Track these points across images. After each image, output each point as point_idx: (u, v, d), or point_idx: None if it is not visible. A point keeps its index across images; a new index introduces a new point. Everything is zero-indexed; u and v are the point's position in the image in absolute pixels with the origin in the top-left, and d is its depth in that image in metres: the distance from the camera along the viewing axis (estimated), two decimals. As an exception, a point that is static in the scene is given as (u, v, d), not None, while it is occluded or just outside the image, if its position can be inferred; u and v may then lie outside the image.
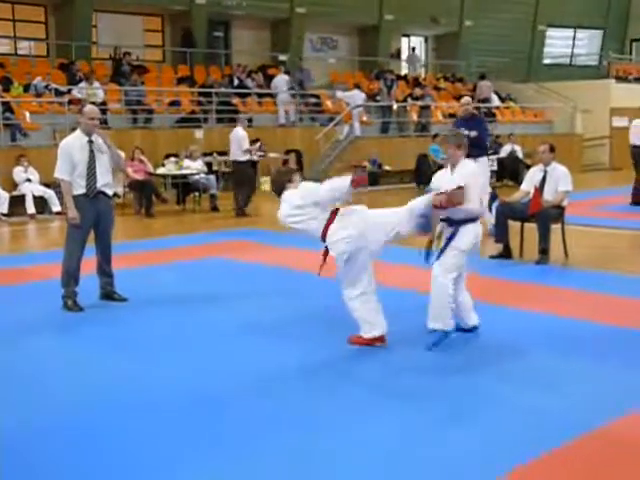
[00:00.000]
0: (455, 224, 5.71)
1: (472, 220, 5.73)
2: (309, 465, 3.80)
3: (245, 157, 13.94)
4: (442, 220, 5.77)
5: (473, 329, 5.99)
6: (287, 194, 5.72)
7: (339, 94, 21.35)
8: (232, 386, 4.94)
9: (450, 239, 5.70)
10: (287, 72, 21.84)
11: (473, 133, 10.48)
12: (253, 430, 4.20)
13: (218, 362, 5.45)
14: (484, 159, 10.70)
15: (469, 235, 5.68)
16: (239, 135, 13.89)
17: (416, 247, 5.86)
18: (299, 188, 5.71)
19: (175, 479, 3.69)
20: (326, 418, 4.38)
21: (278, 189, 5.81)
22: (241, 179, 14.10)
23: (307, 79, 22.04)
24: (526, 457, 3.79)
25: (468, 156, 10.69)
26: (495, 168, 17.97)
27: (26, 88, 17.56)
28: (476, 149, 10.52)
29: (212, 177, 15.49)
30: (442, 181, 5.81)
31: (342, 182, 5.45)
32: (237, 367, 5.32)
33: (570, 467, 3.76)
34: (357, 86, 21.55)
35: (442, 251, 5.72)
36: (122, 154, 7.44)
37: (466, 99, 11.70)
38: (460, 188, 5.50)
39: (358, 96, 20.78)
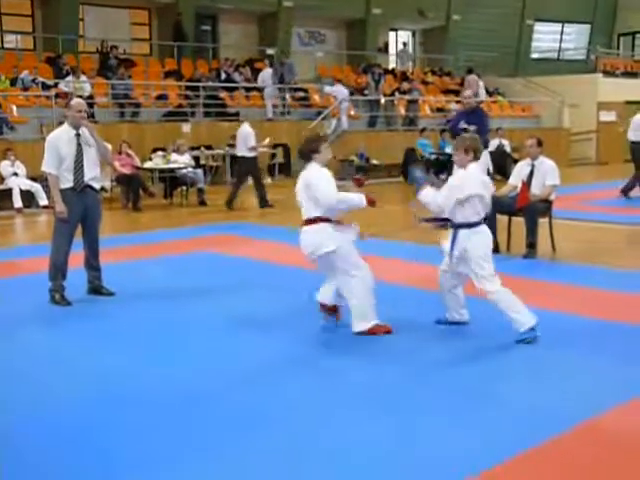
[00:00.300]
0: (455, 227, 5.74)
1: (470, 225, 5.68)
2: (301, 463, 3.78)
3: (252, 154, 14.08)
4: (446, 220, 5.83)
5: (459, 324, 6.02)
6: (308, 172, 5.81)
7: (327, 89, 21.38)
8: (221, 381, 4.93)
9: (452, 246, 5.73)
10: (273, 65, 21.82)
11: (472, 127, 10.48)
12: (244, 427, 4.19)
13: (207, 356, 5.44)
14: (483, 153, 10.69)
15: (463, 242, 5.66)
16: (246, 131, 14.02)
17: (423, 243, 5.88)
18: (316, 172, 5.76)
19: (168, 477, 3.67)
20: (320, 416, 4.35)
21: (304, 157, 5.91)
22: (245, 175, 14.24)
23: (288, 73, 21.90)
24: (514, 451, 3.80)
25: None
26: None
27: (13, 82, 17.48)
28: None
29: (199, 171, 15.46)
30: None
31: (358, 200, 5.75)
32: (226, 362, 5.32)
33: (558, 461, 3.77)
34: (339, 80, 21.63)
35: (450, 257, 5.76)
36: (109, 146, 7.42)
37: (468, 92, 11.75)
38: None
39: (342, 91, 20.84)
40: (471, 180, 5.69)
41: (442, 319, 6.05)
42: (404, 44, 28.52)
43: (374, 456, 3.79)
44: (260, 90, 21.14)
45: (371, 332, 5.74)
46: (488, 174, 10.97)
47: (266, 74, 21.05)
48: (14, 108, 16.49)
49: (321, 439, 4.01)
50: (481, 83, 23.64)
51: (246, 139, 13.91)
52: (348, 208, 5.82)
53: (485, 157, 10.81)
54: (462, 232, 5.68)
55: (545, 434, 3.98)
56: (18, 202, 14.24)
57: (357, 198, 5.77)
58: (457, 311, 6.01)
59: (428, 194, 5.78)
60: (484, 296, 5.69)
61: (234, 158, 17.86)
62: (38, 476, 3.70)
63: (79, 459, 3.82)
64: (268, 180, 18.65)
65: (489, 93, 25.34)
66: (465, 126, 10.50)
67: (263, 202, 14.15)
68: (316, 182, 5.69)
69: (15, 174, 14.53)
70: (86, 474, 3.69)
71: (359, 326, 5.75)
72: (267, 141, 15.33)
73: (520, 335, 5.56)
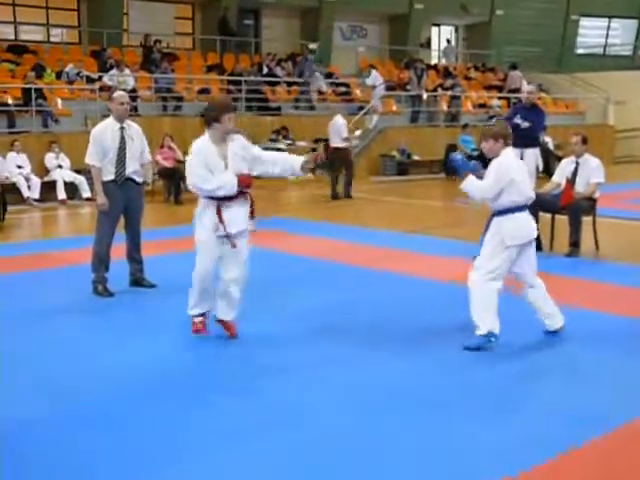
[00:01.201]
0: (492, 215, 5.52)
1: (504, 212, 5.42)
2: (338, 461, 3.78)
3: (344, 144, 14.60)
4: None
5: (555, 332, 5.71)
6: (197, 144, 5.48)
7: (368, 81, 21.44)
8: (250, 376, 4.94)
9: (485, 232, 5.54)
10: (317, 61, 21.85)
11: (525, 124, 10.37)
12: (280, 420, 4.21)
13: (241, 350, 5.46)
14: (533, 150, 10.57)
15: (492, 229, 5.45)
16: (339, 123, 14.53)
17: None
18: (192, 149, 5.47)
19: (182, 475, 3.65)
20: (356, 413, 4.35)
21: (205, 122, 5.54)
22: (339, 165, 14.70)
23: (308, 68, 21.68)
24: (550, 452, 3.73)
25: (518, 145, 10.57)
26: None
27: (58, 75, 17.73)
28: (526, 139, 10.43)
29: (241, 165, 15.50)
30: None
31: (231, 180, 5.35)
32: (262, 356, 5.33)
33: (599, 462, 3.72)
34: (372, 66, 22.05)
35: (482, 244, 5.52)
36: (149, 158, 7.49)
37: (531, 87, 11.77)
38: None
39: (377, 77, 21.36)
40: (511, 166, 5.46)
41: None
42: (448, 41, 28.34)
43: (406, 453, 3.78)
44: (301, 85, 21.14)
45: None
46: (537, 171, 10.90)
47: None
48: (59, 101, 16.72)
49: (360, 436, 3.99)
50: (524, 81, 23.41)
51: (339, 130, 14.43)
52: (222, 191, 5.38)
53: (536, 154, 10.73)
54: (496, 219, 5.47)
55: (580, 437, 3.90)
56: (62, 194, 14.46)
57: (221, 182, 5.33)
58: (542, 320, 5.68)
59: (472, 183, 5.51)
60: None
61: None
62: (46, 464, 3.73)
63: (99, 445, 3.87)
64: (310, 175, 18.68)
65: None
66: (519, 122, 10.40)
67: (347, 192, 14.61)
68: (186, 162, 5.54)
69: (59, 166, 14.76)
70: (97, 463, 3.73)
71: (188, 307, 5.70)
72: (358, 133, 15.52)
73: (473, 340, 5.35)
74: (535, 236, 5.66)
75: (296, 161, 5.62)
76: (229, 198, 5.41)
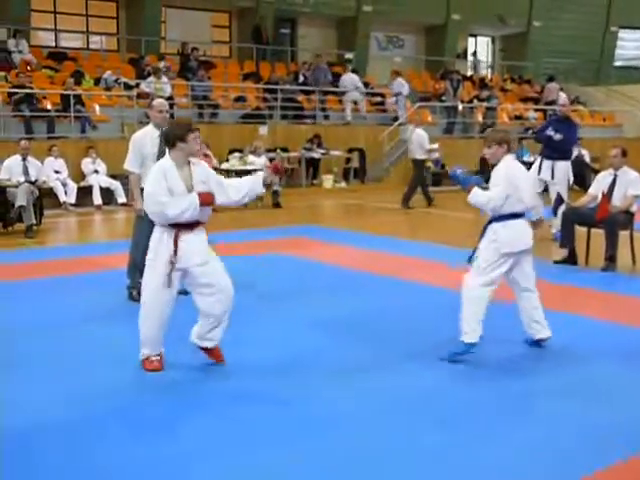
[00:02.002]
0: (489, 221, 5.47)
1: (502, 218, 5.37)
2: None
3: (424, 156, 14.99)
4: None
5: (538, 342, 5.66)
6: (157, 167, 5.06)
7: (394, 88, 21.51)
8: (270, 383, 4.92)
9: (480, 239, 5.48)
10: (354, 71, 21.78)
11: (558, 136, 10.30)
12: (316, 426, 4.21)
13: (261, 356, 5.47)
14: (564, 163, 10.49)
15: (489, 236, 5.40)
16: (421, 135, 14.95)
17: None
18: (153, 169, 5.10)
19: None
20: (379, 425, 4.32)
21: (167, 143, 5.07)
22: (421, 176, 15.05)
23: (322, 77, 21.44)
24: (576, 474, 3.65)
25: (550, 157, 10.47)
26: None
27: (97, 82, 17.96)
28: (558, 152, 10.37)
29: (275, 173, 15.55)
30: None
31: (194, 201, 4.93)
32: (279, 364, 5.31)
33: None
34: (397, 73, 22.15)
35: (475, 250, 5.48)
36: None
37: (564, 100, 11.70)
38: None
39: (402, 84, 21.57)
40: (517, 171, 5.41)
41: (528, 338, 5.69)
42: (474, 53, 28.25)
43: (421, 468, 3.75)
44: (337, 94, 21.15)
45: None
46: (568, 184, 10.80)
47: (347, 79, 21.03)
48: (97, 107, 16.94)
49: (376, 446, 3.97)
50: (562, 94, 23.23)
51: (422, 142, 14.86)
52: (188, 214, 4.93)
53: (567, 167, 10.64)
54: (492, 225, 5.42)
55: (609, 458, 3.81)
56: (98, 199, 14.63)
57: (186, 203, 4.90)
58: (528, 325, 5.64)
59: (479, 195, 5.44)
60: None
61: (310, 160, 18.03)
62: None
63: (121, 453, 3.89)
64: (342, 184, 18.70)
65: (570, 102, 24.84)
66: (551, 134, 10.33)
67: (405, 203, 14.73)
68: (145, 188, 5.09)
69: (96, 171, 14.93)
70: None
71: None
72: (436, 146, 15.68)
73: (456, 347, 5.31)
74: (532, 244, 5.53)
75: (257, 181, 5.30)
76: (188, 227, 4.99)
